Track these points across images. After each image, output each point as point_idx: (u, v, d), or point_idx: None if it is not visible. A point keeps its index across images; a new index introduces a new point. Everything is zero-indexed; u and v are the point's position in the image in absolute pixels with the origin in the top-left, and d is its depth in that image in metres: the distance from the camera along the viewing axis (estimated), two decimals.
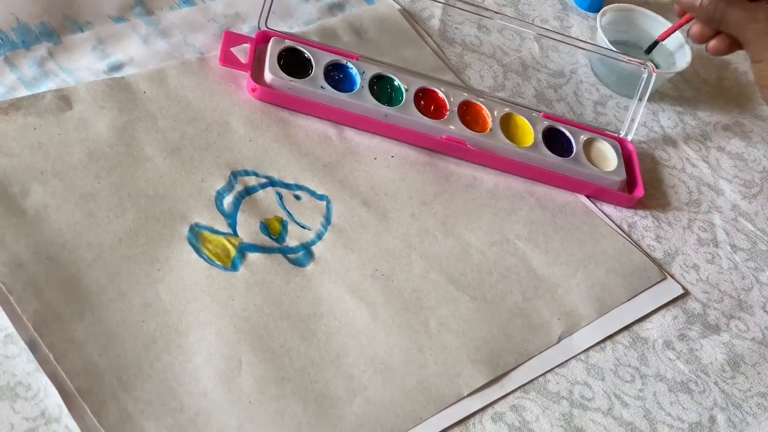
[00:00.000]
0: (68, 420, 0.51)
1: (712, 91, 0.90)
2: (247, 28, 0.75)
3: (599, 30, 0.82)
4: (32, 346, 0.53)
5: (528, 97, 0.80)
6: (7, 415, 0.50)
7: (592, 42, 0.83)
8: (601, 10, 0.85)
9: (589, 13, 0.92)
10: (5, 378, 0.52)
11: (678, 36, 0.87)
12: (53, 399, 0.52)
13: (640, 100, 0.78)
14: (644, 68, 0.78)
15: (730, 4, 0.72)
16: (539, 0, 0.91)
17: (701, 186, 0.80)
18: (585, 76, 0.85)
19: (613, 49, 0.81)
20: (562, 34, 0.80)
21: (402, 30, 0.80)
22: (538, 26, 0.81)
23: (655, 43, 0.82)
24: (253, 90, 0.69)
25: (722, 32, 0.74)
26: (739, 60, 0.95)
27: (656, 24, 0.88)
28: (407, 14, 0.82)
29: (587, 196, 0.75)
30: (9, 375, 0.52)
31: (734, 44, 0.74)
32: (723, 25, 0.73)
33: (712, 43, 0.75)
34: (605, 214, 0.74)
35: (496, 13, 0.79)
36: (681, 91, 0.88)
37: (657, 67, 0.79)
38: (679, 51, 0.86)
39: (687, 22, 0.78)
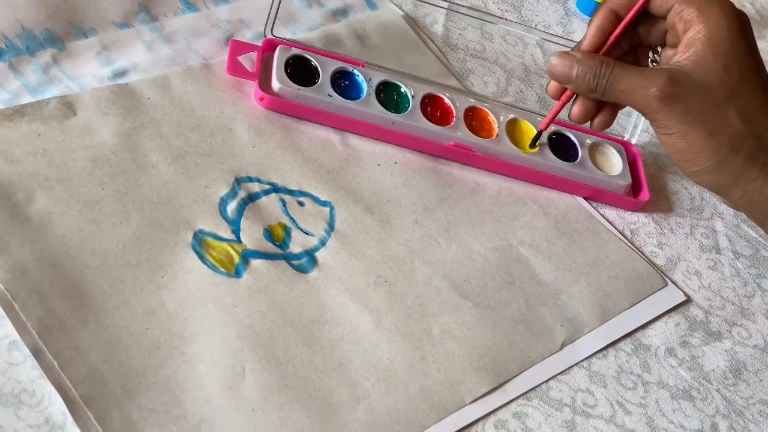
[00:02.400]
0: (72, 427, 0.51)
1: None
2: (251, 34, 0.75)
3: None
4: (36, 353, 0.53)
5: (531, 103, 0.81)
6: (11, 422, 0.51)
7: None
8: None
9: None
10: (10, 385, 0.52)
11: None
12: (57, 406, 0.52)
13: None
14: None
15: (618, 70, 0.63)
16: (542, 6, 0.91)
17: (704, 192, 0.80)
18: None
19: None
20: (566, 38, 0.80)
21: (405, 36, 0.81)
22: (541, 31, 0.81)
23: (539, 135, 0.72)
24: (261, 99, 0.69)
25: (608, 105, 0.67)
26: None
27: None
28: (410, 20, 0.82)
29: (591, 201, 0.75)
30: (13, 382, 0.52)
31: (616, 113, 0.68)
32: (611, 95, 0.64)
33: (598, 120, 0.67)
34: (608, 221, 0.74)
35: (499, 18, 0.79)
36: None
37: None
38: None
39: (568, 101, 0.68)
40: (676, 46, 0.64)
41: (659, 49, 0.67)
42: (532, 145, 0.73)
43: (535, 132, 0.74)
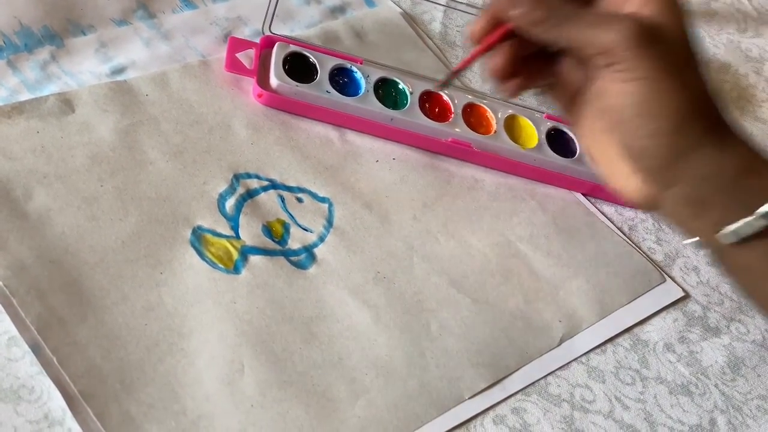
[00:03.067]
0: (71, 423, 0.51)
1: None
2: (248, 31, 0.75)
3: None
4: (35, 349, 0.53)
5: (529, 99, 0.81)
6: (10, 418, 0.51)
7: None
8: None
9: None
10: (8, 381, 0.52)
11: None
12: (56, 402, 0.52)
13: None
14: None
15: (575, 7, 0.55)
16: None
17: None
18: None
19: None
20: None
21: (403, 33, 0.81)
22: None
23: (452, 75, 0.63)
24: (260, 96, 0.69)
25: (536, 62, 0.58)
26: (740, 62, 0.95)
27: None
28: (408, 17, 0.82)
29: (590, 197, 0.75)
30: (12, 378, 0.52)
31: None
32: (567, 31, 0.55)
33: (518, 81, 0.58)
34: (606, 217, 0.74)
35: None
36: None
37: None
38: None
39: (496, 42, 0.57)
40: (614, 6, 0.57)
41: None
42: (440, 86, 0.69)
43: (534, 128, 0.74)
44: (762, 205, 0.54)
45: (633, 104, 0.54)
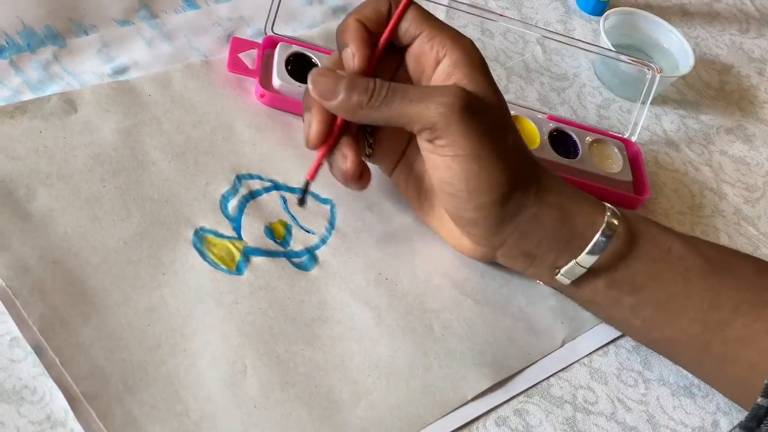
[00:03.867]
0: (74, 424, 0.51)
1: (715, 95, 0.90)
2: (251, 32, 0.75)
3: (602, 33, 0.82)
4: (38, 350, 0.53)
5: (531, 101, 0.81)
6: (12, 419, 0.51)
7: (595, 44, 0.83)
8: (604, 14, 0.86)
9: (592, 17, 0.92)
10: (11, 381, 0.52)
11: (681, 39, 0.87)
12: (59, 403, 0.52)
13: (644, 102, 0.78)
14: (648, 70, 0.78)
15: (397, 85, 0.56)
16: (542, 3, 0.91)
17: (704, 190, 0.80)
18: (588, 79, 0.86)
19: (616, 51, 0.81)
20: (566, 36, 0.80)
21: None
22: (541, 29, 0.81)
23: (307, 185, 0.60)
24: (262, 96, 0.69)
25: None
26: (742, 63, 0.95)
27: (659, 28, 0.88)
28: None
29: None
30: (15, 379, 0.52)
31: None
32: (393, 111, 0.55)
33: (353, 166, 0.58)
34: None
35: (499, 15, 0.79)
36: (683, 95, 0.88)
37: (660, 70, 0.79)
38: (682, 55, 0.86)
39: (336, 143, 0.58)
40: (419, 75, 0.60)
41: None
42: (300, 202, 0.61)
43: (536, 129, 0.74)
44: (584, 248, 0.59)
45: (460, 179, 0.57)
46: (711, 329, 0.59)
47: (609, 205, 0.61)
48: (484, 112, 0.57)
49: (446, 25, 0.60)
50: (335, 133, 0.58)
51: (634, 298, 0.61)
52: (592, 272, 0.60)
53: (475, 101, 0.57)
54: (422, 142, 0.58)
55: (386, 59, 0.60)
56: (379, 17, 0.59)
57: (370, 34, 0.58)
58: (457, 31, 0.59)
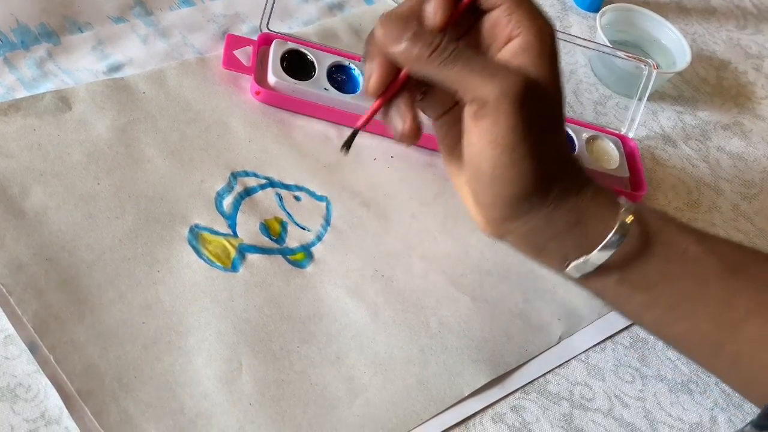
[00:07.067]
0: (68, 421, 0.51)
1: (712, 91, 0.90)
2: (246, 29, 0.75)
3: (599, 30, 0.82)
4: (32, 348, 0.53)
5: None
6: (6, 417, 0.50)
7: (592, 40, 0.83)
8: (600, 10, 0.85)
9: (588, 13, 0.92)
10: (5, 379, 0.52)
11: (678, 35, 0.87)
12: (53, 400, 0.51)
13: (640, 98, 0.78)
14: (645, 66, 0.78)
15: (468, 50, 0.53)
16: (539, 0, 0.90)
17: (701, 186, 0.80)
18: (585, 75, 0.85)
19: (613, 48, 0.81)
20: (563, 32, 0.80)
21: None
22: None
23: (354, 134, 0.57)
24: (257, 93, 0.69)
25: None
26: (739, 59, 0.95)
27: (656, 24, 0.88)
28: None
29: None
30: (9, 376, 0.52)
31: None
32: (454, 74, 0.53)
33: (409, 125, 0.55)
34: None
35: None
36: (680, 91, 0.88)
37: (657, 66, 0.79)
38: (679, 51, 0.86)
39: (394, 94, 0.56)
40: (489, 44, 0.57)
41: None
42: (346, 146, 0.57)
43: None
44: (595, 247, 0.57)
45: (487, 163, 0.54)
46: (724, 329, 0.58)
47: (626, 201, 0.59)
48: (539, 107, 0.55)
49: (531, 2, 0.57)
50: (396, 85, 0.56)
51: (646, 296, 0.60)
52: (602, 268, 0.59)
53: (533, 93, 0.54)
54: (468, 112, 0.55)
55: (462, 18, 0.57)
56: None
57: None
58: (539, 12, 0.56)
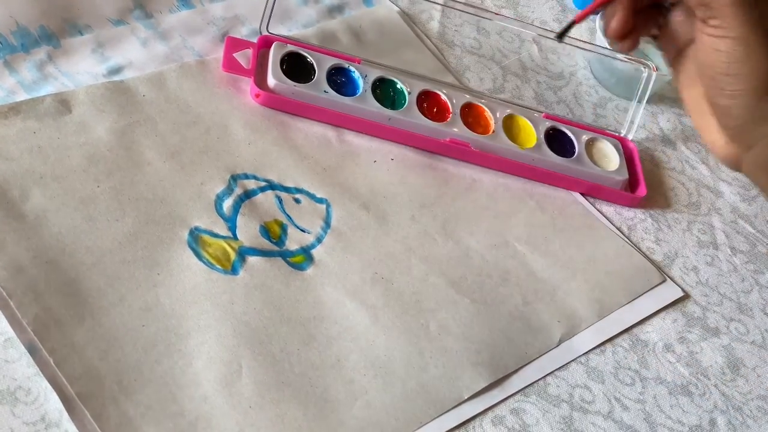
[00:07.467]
0: (68, 424, 0.51)
1: None
2: (246, 31, 0.75)
3: (598, 32, 0.82)
4: (32, 351, 0.53)
5: (528, 99, 0.80)
6: (6, 420, 0.50)
7: (591, 42, 0.83)
8: (600, 13, 0.85)
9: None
10: (5, 382, 0.52)
11: None
12: (53, 403, 0.51)
13: (640, 101, 0.78)
14: (644, 68, 0.78)
15: None
16: (538, 2, 0.91)
17: (701, 188, 0.80)
18: (584, 78, 0.85)
19: (612, 50, 0.81)
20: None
21: (401, 32, 0.80)
22: (537, 27, 0.81)
23: (571, 25, 0.63)
24: (257, 96, 0.69)
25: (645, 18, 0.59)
26: None
27: None
28: (406, 17, 0.82)
29: (588, 197, 0.75)
30: (9, 379, 0.52)
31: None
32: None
33: (629, 41, 0.59)
34: (605, 216, 0.74)
35: (495, 14, 0.79)
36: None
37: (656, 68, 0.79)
38: None
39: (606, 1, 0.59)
40: None
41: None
42: (561, 35, 0.63)
43: (533, 128, 0.74)
44: None
45: (722, 62, 0.55)
46: None
47: None
48: (760, 2, 0.55)
49: None
50: None
51: None
52: None
53: None
54: (697, 21, 0.57)
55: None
56: None
57: None
58: None
